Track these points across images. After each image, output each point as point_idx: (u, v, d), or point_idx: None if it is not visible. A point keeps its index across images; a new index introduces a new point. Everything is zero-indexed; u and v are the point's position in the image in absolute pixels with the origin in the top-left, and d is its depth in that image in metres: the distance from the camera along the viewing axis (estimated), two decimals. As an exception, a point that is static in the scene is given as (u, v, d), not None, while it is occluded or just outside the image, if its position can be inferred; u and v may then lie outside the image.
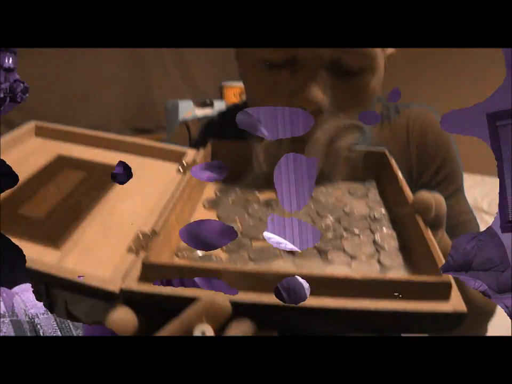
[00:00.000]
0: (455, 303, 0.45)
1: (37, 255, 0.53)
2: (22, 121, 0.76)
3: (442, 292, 0.45)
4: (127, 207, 0.64)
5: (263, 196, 0.71)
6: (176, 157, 0.76)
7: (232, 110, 1.09)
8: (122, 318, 0.45)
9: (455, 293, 0.46)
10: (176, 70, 3.53)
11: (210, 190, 0.74)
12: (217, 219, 0.65)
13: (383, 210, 0.68)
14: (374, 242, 0.61)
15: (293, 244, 0.57)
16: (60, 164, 0.72)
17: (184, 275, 0.46)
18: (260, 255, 0.57)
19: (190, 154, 0.76)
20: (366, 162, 0.77)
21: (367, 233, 0.63)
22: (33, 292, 0.52)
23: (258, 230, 0.62)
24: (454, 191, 0.97)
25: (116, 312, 0.45)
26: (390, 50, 0.85)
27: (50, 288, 0.54)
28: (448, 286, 0.45)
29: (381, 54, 0.77)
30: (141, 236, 0.56)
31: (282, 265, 0.56)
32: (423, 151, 0.97)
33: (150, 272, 0.47)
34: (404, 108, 1.02)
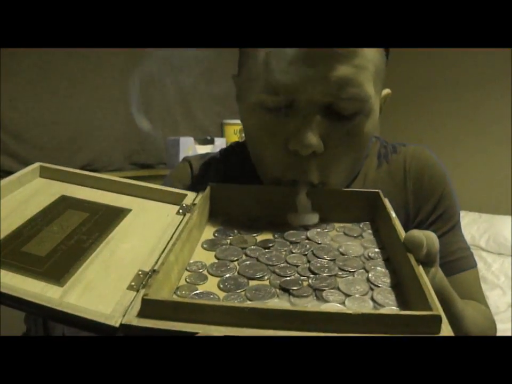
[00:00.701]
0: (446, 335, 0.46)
1: (39, 290, 0.55)
2: (21, 152, 0.77)
3: (432, 325, 0.47)
4: (128, 247, 0.66)
5: (261, 237, 0.73)
6: (176, 199, 0.78)
7: (234, 148, 1.11)
8: None
9: (446, 326, 0.47)
10: (178, 106, 3.56)
11: (209, 232, 0.76)
12: (215, 260, 0.67)
13: (377, 250, 0.70)
14: (368, 280, 0.62)
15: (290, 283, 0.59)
16: (64, 204, 0.74)
17: (183, 311, 0.47)
18: (256, 294, 0.58)
19: (190, 197, 0.78)
20: (361, 204, 0.80)
21: (361, 272, 0.64)
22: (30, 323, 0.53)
23: (255, 270, 0.64)
24: (450, 228, 0.98)
25: None
26: (385, 91, 0.88)
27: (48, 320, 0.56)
28: (438, 319, 0.47)
29: (376, 96, 0.80)
30: (141, 274, 0.58)
31: (278, 303, 0.57)
32: (419, 188, 0.98)
33: (149, 308, 0.48)
34: (400, 146, 1.04)
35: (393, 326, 0.47)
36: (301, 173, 0.78)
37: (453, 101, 4.33)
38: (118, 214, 0.74)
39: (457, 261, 0.95)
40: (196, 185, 0.98)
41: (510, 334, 2.61)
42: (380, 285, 0.61)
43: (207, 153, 1.11)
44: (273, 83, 0.73)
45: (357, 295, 0.59)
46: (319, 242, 0.72)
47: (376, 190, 0.80)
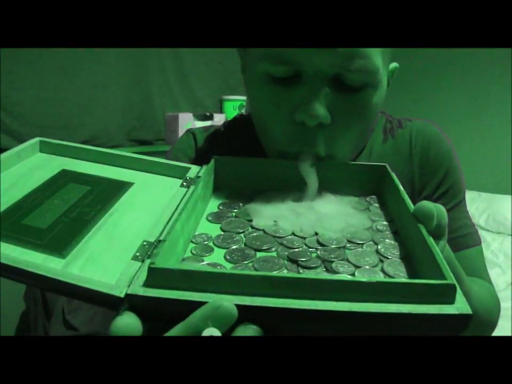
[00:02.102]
0: (461, 305, 0.45)
1: (41, 262, 0.53)
2: (21, 131, 0.76)
3: (447, 295, 0.45)
4: (132, 219, 0.64)
5: (267, 210, 0.71)
6: (180, 173, 0.77)
7: (238, 120, 1.10)
8: (128, 324, 0.45)
9: (460, 297, 0.46)
10: (177, 82, 3.54)
11: (213, 204, 0.74)
12: (221, 232, 0.65)
13: (385, 223, 0.68)
14: (377, 252, 0.61)
15: (298, 254, 0.58)
16: (65, 178, 0.73)
17: (191, 280, 0.46)
18: (264, 265, 0.57)
19: (194, 170, 0.76)
20: (368, 177, 0.78)
21: (370, 244, 0.63)
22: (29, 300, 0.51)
23: (262, 241, 0.62)
24: (456, 204, 0.98)
25: (121, 317, 0.45)
26: (393, 64, 0.86)
27: (47, 297, 0.54)
28: (453, 288, 0.45)
29: (384, 69, 0.78)
30: (146, 244, 0.56)
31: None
32: (425, 164, 0.97)
33: (156, 277, 0.47)
34: (406, 121, 1.03)
35: (407, 295, 0.45)
36: (307, 144, 0.77)
37: (454, 79, 4.32)
38: (120, 187, 0.73)
39: (462, 237, 0.95)
40: (199, 158, 0.97)
41: (509, 313, 2.60)
42: (390, 257, 0.60)
43: (211, 126, 1.10)
44: (279, 53, 0.72)
45: (366, 267, 0.58)
46: (327, 214, 0.70)
47: (383, 164, 0.79)
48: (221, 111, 3.66)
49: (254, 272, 0.48)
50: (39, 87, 2.77)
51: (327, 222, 0.67)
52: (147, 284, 0.47)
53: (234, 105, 3.59)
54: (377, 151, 0.99)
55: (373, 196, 0.77)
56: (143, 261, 0.53)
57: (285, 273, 0.54)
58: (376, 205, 0.75)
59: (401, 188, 0.68)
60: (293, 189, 0.76)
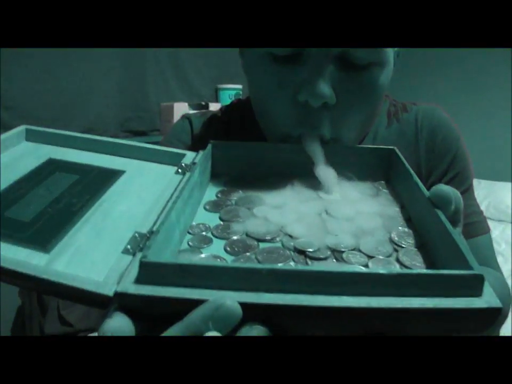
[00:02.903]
0: (489, 298, 0.40)
1: (23, 258, 0.48)
2: (15, 123, 0.72)
3: (475, 287, 0.41)
4: (123, 209, 0.59)
5: (269, 197, 0.66)
6: (175, 160, 0.72)
7: (236, 105, 1.05)
8: (118, 326, 0.40)
9: (487, 288, 0.41)
10: (171, 72, 3.48)
11: (211, 192, 0.69)
12: (220, 221, 0.60)
13: (396, 209, 0.64)
14: (391, 241, 0.56)
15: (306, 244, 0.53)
16: (51, 167, 0.68)
17: (188, 275, 0.41)
18: (269, 257, 0.52)
19: (189, 156, 0.71)
20: (375, 162, 0.73)
21: (382, 232, 0.58)
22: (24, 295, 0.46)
23: (264, 230, 0.57)
24: (464, 191, 0.93)
25: (110, 320, 0.40)
26: None
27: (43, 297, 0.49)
28: (481, 279, 0.41)
29: (391, 49, 0.73)
30: (138, 236, 0.51)
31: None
32: (432, 149, 0.94)
33: (148, 272, 0.42)
34: (411, 105, 0.99)
35: (431, 288, 0.40)
36: (311, 126, 0.72)
37: (455, 66, 4.29)
38: (111, 176, 0.68)
39: (471, 225, 0.91)
40: (195, 144, 0.93)
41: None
42: (404, 245, 0.55)
43: (208, 111, 1.06)
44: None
45: (380, 257, 0.53)
46: (332, 200, 0.66)
47: (391, 147, 0.74)
48: (216, 100, 3.61)
49: (260, 265, 0.43)
50: (32, 79, 2.72)
51: (334, 209, 0.62)
52: (139, 280, 0.42)
53: (230, 94, 3.55)
54: (381, 136, 0.94)
55: (381, 181, 0.72)
56: (134, 255, 0.48)
57: (293, 265, 0.48)
58: (385, 190, 0.70)
59: (412, 171, 0.64)
60: (296, 174, 0.71)
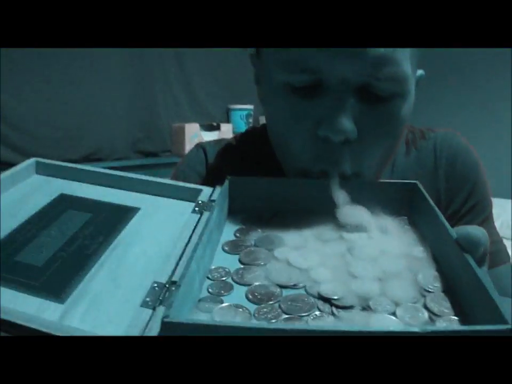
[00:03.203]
0: None
1: (36, 310, 0.46)
2: (21, 143, 0.71)
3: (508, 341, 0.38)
4: (139, 252, 0.57)
5: (289, 237, 0.64)
6: (191, 195, 0.69)
7: (252, 133, 1.03)
8: None
9: None
10: (182, 92, 3.50)
11: (229, 231, 0.67)
12: (240, 264, 0.58)
13: (421, 248, 0.61)
14: (417, 284, 0.54)
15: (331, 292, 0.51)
16: (63, 204, 0.66)
17: (212, 334, 0.39)
18: (293, 307, 0.50)
19: (206, 192, 0.69)
20: (397, 196, 0.71)
21: (407, 274, 0.55)
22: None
23: (288, 275, 0.55)
24: (484, 219, 0.91)
25: None
26: (419, 72, 0.78)
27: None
28: None
29: (412, 77, 0.71)
30: (157, 287, 0.49)
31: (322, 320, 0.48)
32: (452, 177, 0.91)
33: (170, 332, 0.39)
34: (429, 132, 0.96)
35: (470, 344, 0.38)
36: (332, 162, 0.70)
37: (455, 85, 4.27)
38: (125, 213, 0.66)
39: (492, 254, 0.88)
40: (210, 174, 0.91)
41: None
42: (431, 290, 0.53)
43: (222, 139, 1.03)
44: (300, 60, 0.65)
45: (408, 304, 0.50)
46: (354, 241, 0.63)
47: (414, 181, 0.71)
48: (227, 120, 3.60)
49: (287, 327, 0.40)
50: (39, 98, 2.73)
51: (358, 250, 0.60)
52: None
53: (242, 114, 3.54)
54: (400, 164, 0.92)
55: (404, 217, 0.70)
56: (154, 309, 0.46)
57: (324, 327, 0.45)
58: (407, 227, 0.67)
59: (437, 210, 0.61)
60: (316, 211, 0.68)
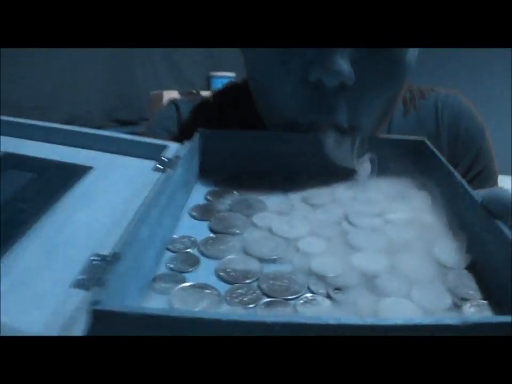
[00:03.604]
0: None
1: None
2: None
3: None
4: (84, 218, 0.45)
5: (273, 201, 0.54)
6: (154, 152, 0.58)
7: (231, 89, 0.92)
8: None
9: None
10: (161, 58, 3.38)
11: (199, 194, 0.56)
12: (210, 233, 0.47)
13: (433, 216, 0.50)
14: (436, 259, 0.43)
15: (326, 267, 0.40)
16: (5, 163, 0.55)
17: (161, 329, 0.27)
18: (277, 287, 0.39)
19: (172, 147, 0.58)
20: (399, 155, 0.60)
21: (421, 245, 0.45)
22: None
23: (269, 246, 0.44)
24: None
25: None
26: None
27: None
28: None
29: None
30: (95, 260, 0.37)
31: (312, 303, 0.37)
32: (455, 141, 0.83)
33: (104, 323, 0.28)
34: (429, 91, 0.87)
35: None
36: (325, 112, 0.59)
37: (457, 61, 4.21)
38: (74, 173, 0.55)
39: None
40: (183, 134, 0.80)
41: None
42: (452, 266, 0.42)
43: (198, 95, 0.93)
44: None
45: (425, 283, 0.40)
46: (352, 204, 0.52)
47: (421, 138, 0.61)
48: (208, 88, 3.48)
49: (269, 318, 0.28)
50: (13, 65, 2.60)
51: (357, 216, 0.49)
52: (90, 332, 0.28)
53: (223, 82, 3.44)
54: (397, 125, 0.83)
55: (407, 178, 0.59)
56: (88, 289, 0.34)
57: (322, 319, 0.33)
58: (416, 190, 0.57)
59: (452, 168, 0.52)
60: (305, 170, 0.59)
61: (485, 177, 0.83)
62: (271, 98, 0.64)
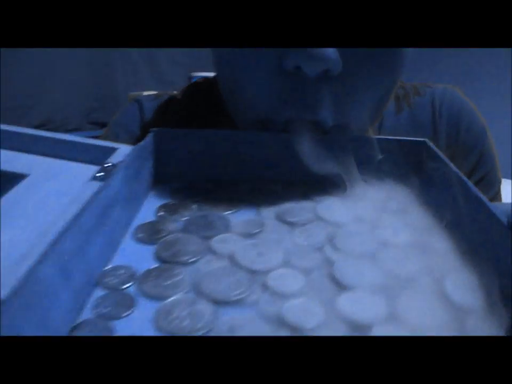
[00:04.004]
0: None
1: None
2: None
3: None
4: (5, 239, 0.35)
5: (238, 218, 0.44)
6: (100, 157, 0.48)
7: (200, 85, 0.82)
8: None
9: None
10: (141, 59, 3.34)
11: (150, 209, 0.46)
12: (156, 263, 0.37)
13: (442, 237, 0.40)
14: (445, 297, 0.33)
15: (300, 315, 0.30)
16: None
17: None
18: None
19: (123, 151, 0.48)
20: (396, 160, 0.50)
21: (430, 280, 0.35)
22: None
23: (229, 283, 0.33)
24: (493, 197, 0.76)
25: None
26: None
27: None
28: None
29: None
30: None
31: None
32: (455, 142, 0.75)
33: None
34: (424, 87, 0.79)
35: None
36: (305, 107, 0.49)
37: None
38: (4, 182, 0.46)
39: None
40: (146, 134, 0.71)
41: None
42: (471, 307, 0.32)
43: (164, 92, 0.83)
44: None
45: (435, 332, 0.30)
46: (340, 222, 0.42)
47: (422, 139, 0.52)
48: (189, 89, 3.45)
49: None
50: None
51: (346, 240, 0.39)
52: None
53: (206, 82, 3.40)
54: (389, 125, 0.74)
55: (405, 188, 0.49)
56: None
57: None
58: (415, 204, 0.46)
59: (464, 177, 0.42)
60: (280, 178, 0.50)
61: (488, 182, 0.75)
62: (241, 92, 0.54)
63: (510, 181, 3.62)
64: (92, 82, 3.08)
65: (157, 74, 3.41)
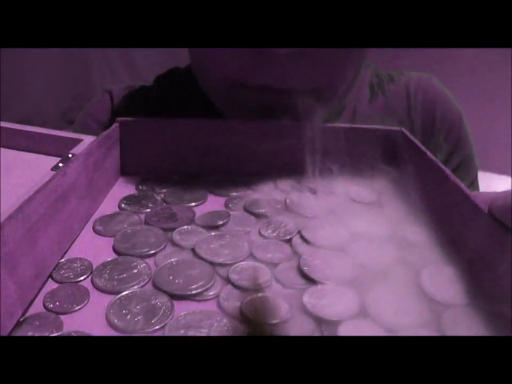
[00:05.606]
0: None
1: None
2: None
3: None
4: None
5: (203, 208, 0.42)
6: (65, 148, 0.46)
7: (174, 73, 0.80)
8: None
9: None
10: (119, 59, 3.30)
11: (112, 201, 0.44)
12: (113, 255, 0.35)
13: (418, 229, 0.38)
14: (421, 291, 0.31)
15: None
16: None
17: None
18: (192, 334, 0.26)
19: (86, 142, 0.46)
20: (370, 149, 0.48)
21: (402, 273, 0.33)
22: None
23: (189, 277, 0.32)
24: (469, 184, 0.75)
25: None
26: None
27: None
28: None
29: None
30: None
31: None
32: (430, 129, 0.74)
33: None
34: (398, 75, 0.78)
35: None
36: (277, 74, 0.47)
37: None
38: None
39: None
40: None
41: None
42: (448, 302, 0.30)
43: (135, 83, 0.81)
44: None
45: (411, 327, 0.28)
46: (309, 214, 0.41)
47: (398, 128, 0.50)
48: (167, 88, 3.44)
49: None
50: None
51: (316, 232, 0.37)
52: None
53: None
54: (362, 112, 0.73)
55: (379, 179, 0.47)
56: None
57: None
58: (390, 194, 0.45)
59: (443, 166, 0.41)
60: (250, 169, 0.47)
61: (465, 168, 0.75)
62: (215, 65, 0.52)
63: (510, 178, 3.61)
64: (68, 82, 3.05)
65: (133, 71, 3.36)
